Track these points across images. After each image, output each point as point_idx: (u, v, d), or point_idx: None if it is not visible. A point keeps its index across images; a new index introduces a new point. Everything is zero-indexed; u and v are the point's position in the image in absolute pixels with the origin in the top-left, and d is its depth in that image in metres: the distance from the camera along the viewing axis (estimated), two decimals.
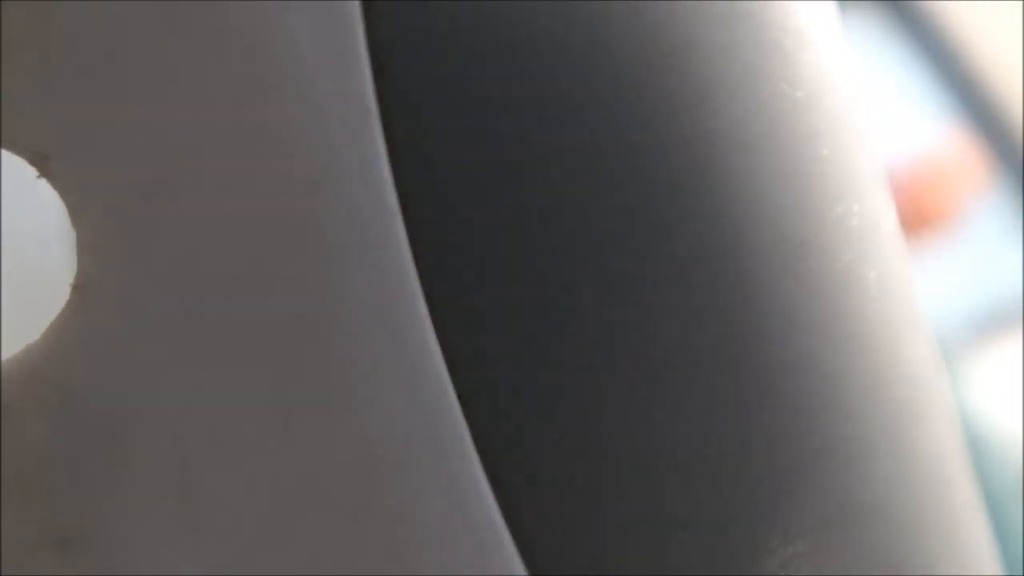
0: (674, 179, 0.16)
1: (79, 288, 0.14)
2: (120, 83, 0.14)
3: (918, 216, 1.15)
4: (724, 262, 0.16)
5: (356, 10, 0.15)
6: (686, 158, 0.16)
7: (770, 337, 0.16)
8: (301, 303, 0.14)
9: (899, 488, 0.17)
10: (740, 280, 0.16)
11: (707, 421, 0.16)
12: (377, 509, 0.15)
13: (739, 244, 0.16)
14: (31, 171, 0.14)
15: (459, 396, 0.15)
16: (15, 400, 0.14)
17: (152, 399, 0.14)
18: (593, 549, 0.15)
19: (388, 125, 0.15)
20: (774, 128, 0.16)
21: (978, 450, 0.76)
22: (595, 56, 0.15)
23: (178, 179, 0.14)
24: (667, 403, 0.15)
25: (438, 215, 0.15)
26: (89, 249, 0.14)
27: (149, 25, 0.14)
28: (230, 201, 0.14)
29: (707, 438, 0.16)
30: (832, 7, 0.18)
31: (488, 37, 0.15)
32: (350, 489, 0.15)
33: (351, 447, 0.15)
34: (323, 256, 0.15)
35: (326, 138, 0.15)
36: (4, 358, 0.14)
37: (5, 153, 0.14)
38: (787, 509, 0.16)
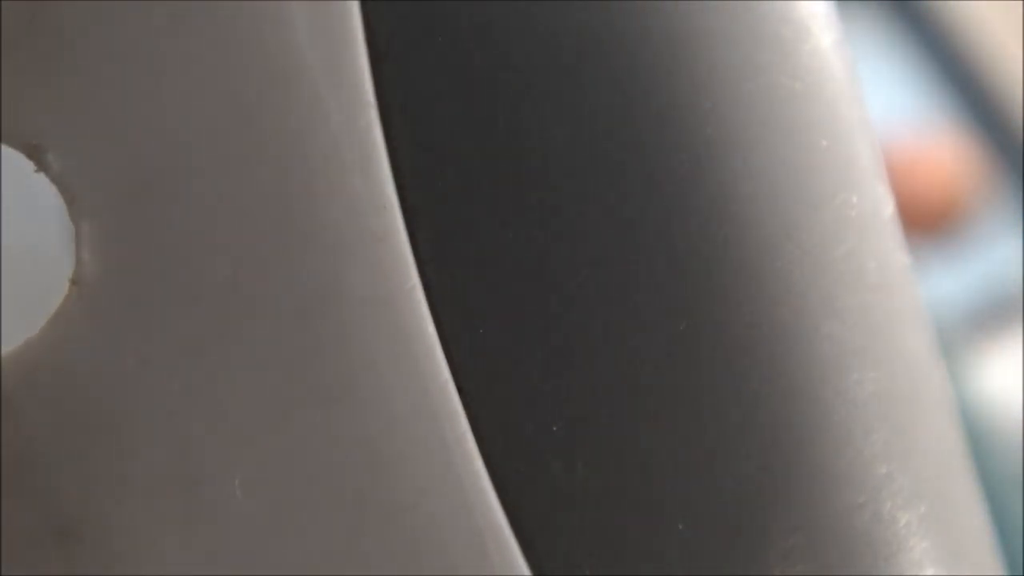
0: (671, 170, 0.16)
1: (77, 281, 0.14)
2: (118, 77, 0.14)
3: (918, 210, 1.15)
4: (722, 253, 0.16)
5: (354, 2, 0.15)
6: (683, 149, 0.16)
7: (769, 328, 0.16)
8: (300, 296, 0.14)
9: (898, 480, 0.17)
10: (738, 271, 0.16)
11: (707, 415, 0.16)
12: (377, 505, 0.15)
13: (737, 235, 0.16)
14: (29, 165, 0.14)
15: (459, 391, 0.15)
16: (15, 393, 0.14)
17: (151, 391, 0.14)
18: (597, 547, 0.15)
19: (387, 118, 0.15)
20: (772, 119, 0.16)
21: (978, 443, 0.76)
22: (591, 47, 0.15)
23: (176, 172, 0.14)
24: (668, 398, 0.15)
25: (437, 208, 0.15)
26: (87, 242, 0.14)
27: (147, 19, 0.14)
28: (228, 194, 0.14)
29: (707, 432, 0.16)
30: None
31: (486, 29, 0.15)
32: (350, 484, 0.15)
33: (350, 441, 0.15)
34: (322, 249, 0.15)
35: (325, 131, 0.15)
36: (4, 351, 0.14)
37: (3, 147, 0.14)
38: (786, 501, 0.16)
